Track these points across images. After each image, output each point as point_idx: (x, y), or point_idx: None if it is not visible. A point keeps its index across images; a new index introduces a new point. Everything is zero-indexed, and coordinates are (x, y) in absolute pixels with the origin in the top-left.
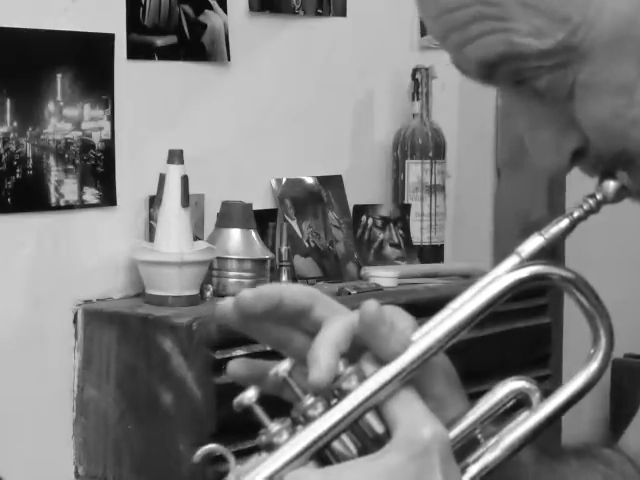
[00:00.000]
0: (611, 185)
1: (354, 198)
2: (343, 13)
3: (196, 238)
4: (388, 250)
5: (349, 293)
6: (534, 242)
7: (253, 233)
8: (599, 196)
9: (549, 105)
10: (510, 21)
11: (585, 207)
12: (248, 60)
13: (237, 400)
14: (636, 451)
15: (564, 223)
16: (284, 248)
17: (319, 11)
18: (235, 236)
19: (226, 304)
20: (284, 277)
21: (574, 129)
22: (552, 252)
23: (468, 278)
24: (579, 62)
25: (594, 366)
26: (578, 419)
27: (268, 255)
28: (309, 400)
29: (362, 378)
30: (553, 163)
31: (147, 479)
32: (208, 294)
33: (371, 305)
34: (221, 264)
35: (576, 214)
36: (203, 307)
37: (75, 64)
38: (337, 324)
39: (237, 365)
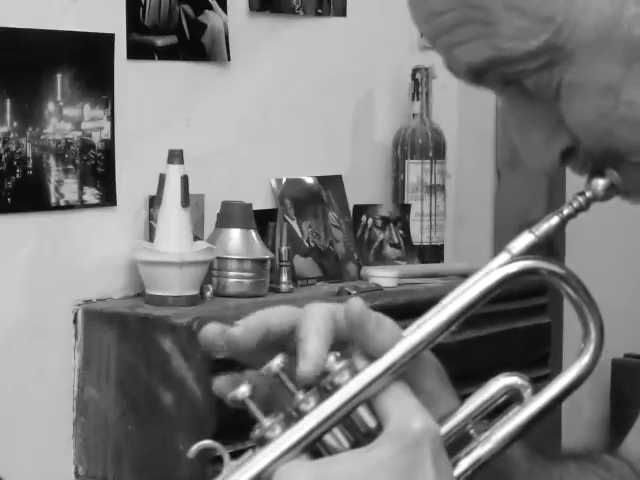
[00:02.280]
0: (600, 183)
1: (354, 198)
2: (343, 13)
3: (196, 238)
4: (388, 250)
5: (349, 293)
6: (525, 239)
7: (253, 233)
8: (588, 194)
9: (538, 105)
10: (495, 25)
11: (575, 205)
12: (248, 60)
13: (231, 395)
14: (637, 456)
15: (554, 220)
16: (284, 248)
17: (319, 11)
18: (235, 236)
19: (209, 333)
20: (284, 277)
21: (563, 129)
22: (550, 252)
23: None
24: (564, 62)
25: (585, 360)
26: (578, 419)
27: (268, 255)
28: (302, 395)
29: (354, 373)
30: (543, 163)
31: (147, 479)
32: (208, 294)
33: (355, 303)
34: (221, 264)
35: (566, 211)
36: (203, 307)
37: (75, 64)
38: (317, 311)
39: (222, 383)
